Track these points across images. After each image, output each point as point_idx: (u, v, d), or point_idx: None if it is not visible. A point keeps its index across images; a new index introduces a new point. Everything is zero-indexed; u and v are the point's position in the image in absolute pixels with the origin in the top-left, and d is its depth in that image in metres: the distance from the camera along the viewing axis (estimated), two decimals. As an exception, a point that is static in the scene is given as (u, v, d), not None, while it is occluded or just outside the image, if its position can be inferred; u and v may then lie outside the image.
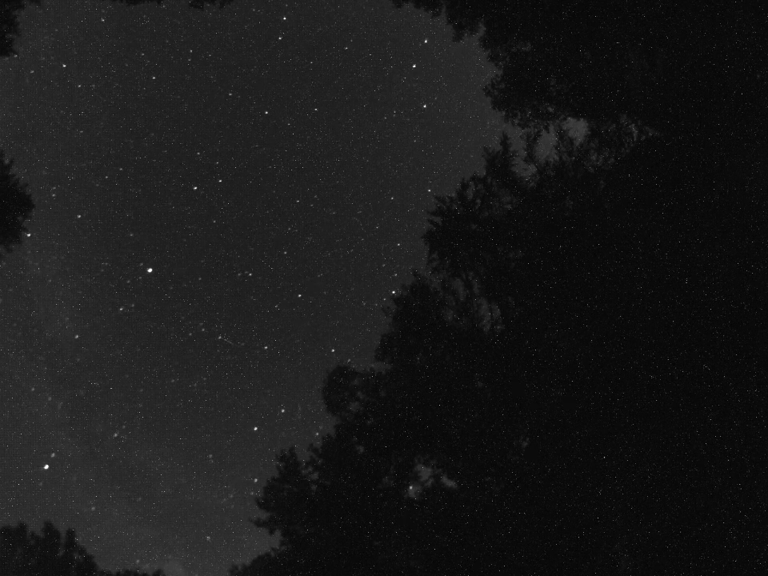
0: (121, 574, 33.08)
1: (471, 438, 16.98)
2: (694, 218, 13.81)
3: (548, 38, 17.62)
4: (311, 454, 21.04)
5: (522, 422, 16.32)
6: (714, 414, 12.24)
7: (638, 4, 15.40)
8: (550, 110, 18.85)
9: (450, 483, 18.64)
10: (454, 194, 18.93)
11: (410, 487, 19.58)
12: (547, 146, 19.74)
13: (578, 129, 18.49)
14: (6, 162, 17.51)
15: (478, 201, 18.73)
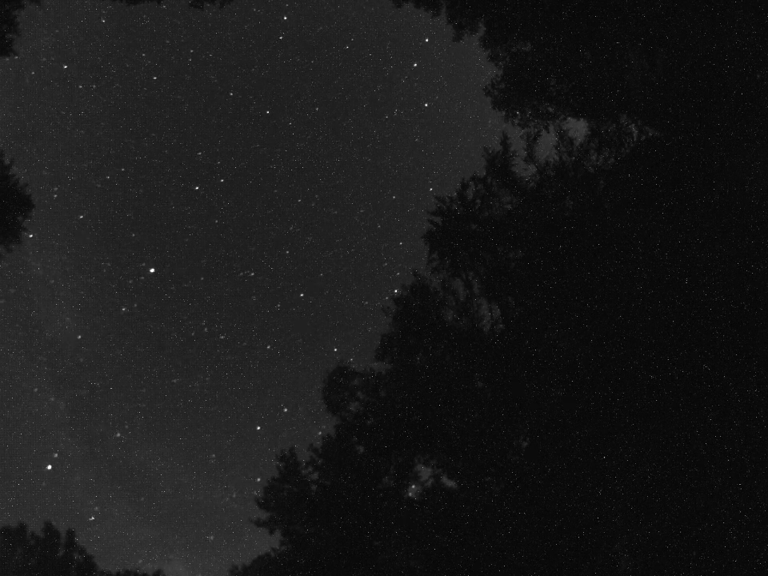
0: (121, 573, 33.09)
1: (471, 437, 16.98)
2: (693, 218, 13.80)
3: (548, 37, 17.62)
4: (311, 453, 21.05)
5: (522, 422, 16.32)
6: (714, 414, 12.24)
7: (638, 4, 15.40)
8: (550, 110, 18.85)
9: (450, 483, 18.66)
10: (454, 194, 18.94)
11: (412, 487, 19.60)
12: (547, 146, 19.74)
13: (578, 129, 18.48)
14: (6, 161, 17.52)
15: (478, 201, 18.73)
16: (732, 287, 12.77)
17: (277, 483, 21.10)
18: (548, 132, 18.78)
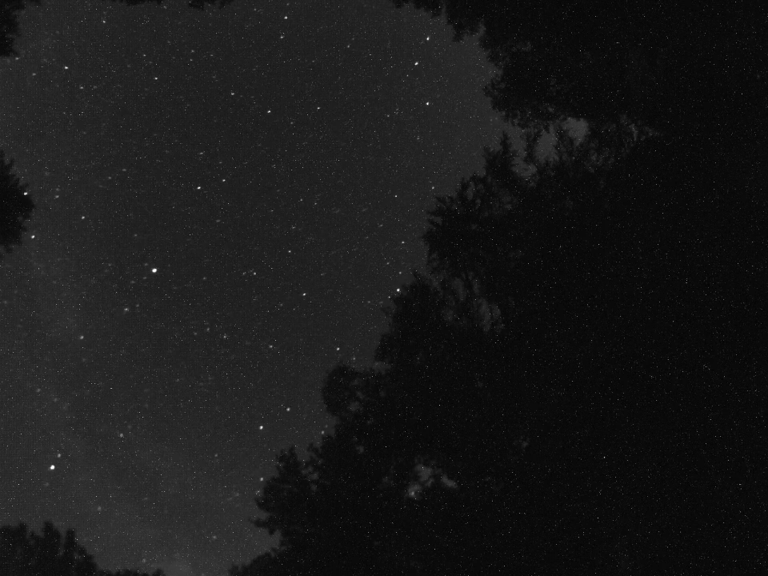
0: (121, 573, 33.09)
1: (471, 437, 16.98)
2: (694, 218, 13.80)
3: (548, 37, 17.62)
4: (311, 454, 21.04)
5: (522, 422, 16.31)
6: (714, 414, 12.24)
7: (638, 4, 15.40)
8: (550, 110, 18.86)
9: (450, 483, 18.65)
10: (454, 194, 18.94)
11: (412, 487, 19.60)
12: (547, 146, 19.75)
13: (578, 129, 18.51)
14: (7, 162, 17.53)
15: (478, 201, 18.73)
16: (732, 287, 12.77)
17: (277, 483, 21.09)
18: (548, 132, 18.79)
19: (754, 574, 11.14)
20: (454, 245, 18.58)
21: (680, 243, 13.79)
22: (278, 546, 21.48)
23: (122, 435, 62.69)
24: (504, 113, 19.71)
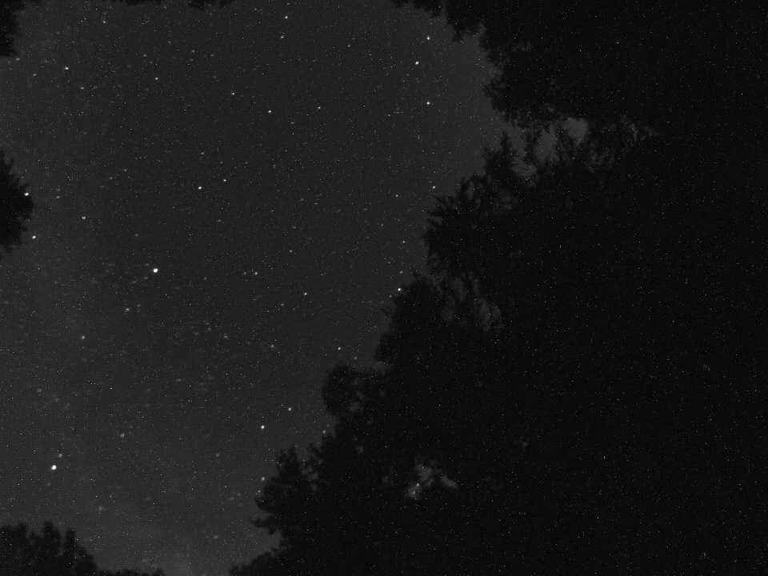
0: (121, 573, 33.09)
1: (471, 437, 16.98)
2: (694, 218, 13.80)
3: (548, 37, 17.62)
4: (311, 454, 21.04)
5: (522, 422, 16.31)
6: (713, 414, 12.24)
7: (638, 4, 15.40)
8: (550, 110, 18.86)
9: (450, 483, 18.65)
10: (454, 194, 18.94)
11: (412, 487, 19.60)
12: (547, 146, 19.76)
13: (578, 129, 18.52)
14: (7, 162, 17.53)
15: (478, 201, 18.72)
16: (732, 287, 12.77)
17: (277, 483, 21.09)
18: (548, 132, 18.80)
19: (754, 574, 11.13)
20: (454, 245, 18.58)
21: (680, 243, 13.79)
22: (278, 546, 21.48)
23: (123, 435, 62.75)
24: (504, 113, 19.72)
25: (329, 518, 19.12)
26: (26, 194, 17.69)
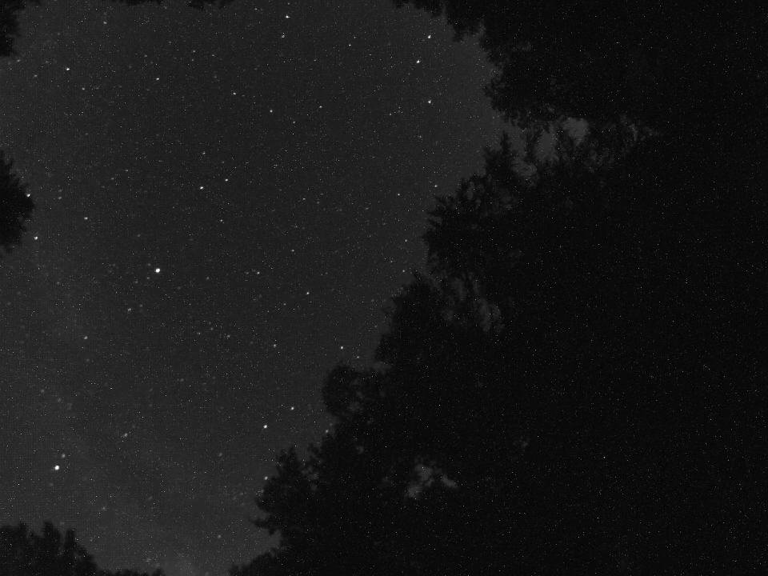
0: (121, 573, 33.10)
1: (471, 437, 16.98)
2: (694, 218, 13.80)
3: (548, 37, 17.62)
4: (311, 454, 21.05)
5: (522, 422, 16.31)
6: (713, 414, 12.24)
7: (638, 4, 15.40)
8: (550, 110, 18.86)
9: (450, 483, 18.65)
10: (454, 194, 18.94)
11: (413, 486, 19.59)
12: (547, 146, 19.76)
13: (578, 129, 18.50)
14: (7, 161, 17.53)
15: (478, 201, 18.72)
16: (732, 287, 12.77)
17: (277, 483, 21.09)
18: (548, 132, 18.80)
19: (754, 574, 11.13)
20: (454, 245, 18.58)
21: (680, 243, 13.79)
22: (278, 546, 21.49)
23: (125, 435, 62.78)
24: (504, 113, 19.72)
25: (329, 518, 19.12)
26: (26, 194, 17.70)
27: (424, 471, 19.48)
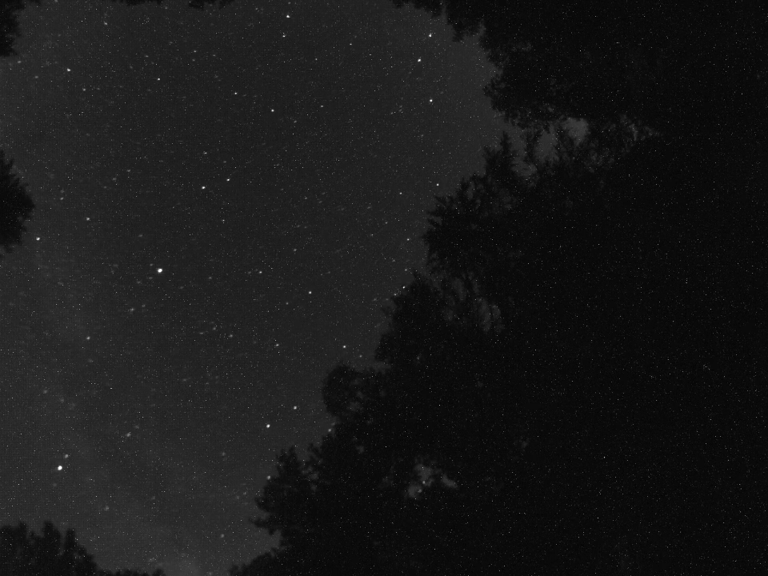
0: (121, 573, 33.08)
1: (471, 437, 16.98)
2: (694, 218, 13.80)
3: (548, 37, 17.62)
4: (311, 454, 21.04)
5: (522, 422, 16.31)
6: (713, 414, 12.24)
7: (638, 4, 15.39)
8: (550, 110, 18.86)
9: (450, 483, 18.64)
10: (454, 194, 18.94)
11: (413, 486, 19.59)
12: (547, 146, 19.75)
13: (578, 129, 18.48)
14: (7, 161, 17.53)
15: (478, 201, 18.72)
16: (732, 287, 12.76)
17: (277, 483, 21.09)
18: (548, 132, 18.79)
19: (754, 574, 11.13)
20: (454, 245, 18.57)
21: (680, 243, 13.78)
22: (278, 546, 21.48)
23: (127, 435, 62.82)
24: (504, 113, 19.72)
25: (329, 518, 19.11)
26: (26, 194, 17.70)
27: (424, 471, 19.49)
